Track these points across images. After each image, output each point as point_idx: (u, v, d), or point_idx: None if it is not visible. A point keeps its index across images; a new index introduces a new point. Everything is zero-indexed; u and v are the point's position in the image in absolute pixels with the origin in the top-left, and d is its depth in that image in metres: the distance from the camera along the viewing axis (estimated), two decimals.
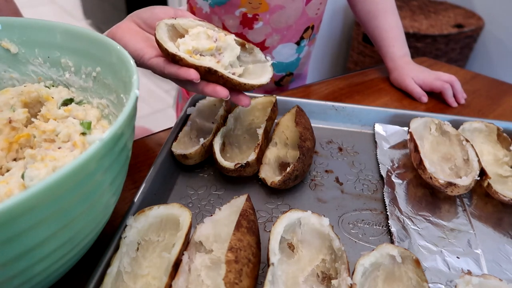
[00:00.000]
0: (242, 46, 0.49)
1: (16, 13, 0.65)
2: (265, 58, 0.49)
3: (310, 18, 0.74)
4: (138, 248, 0.38)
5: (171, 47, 0.44)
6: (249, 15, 0.69)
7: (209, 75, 0.44)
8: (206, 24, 0.48)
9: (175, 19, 0.47)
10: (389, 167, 0.54)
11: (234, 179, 0.51)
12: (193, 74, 0.43)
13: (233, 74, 0.46)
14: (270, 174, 0.50)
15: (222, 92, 0.44)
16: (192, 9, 0.74)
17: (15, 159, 0.39)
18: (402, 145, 0.59)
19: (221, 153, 0.50)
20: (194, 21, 0.48)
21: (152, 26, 0.51)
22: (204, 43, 0.45)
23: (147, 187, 0.45)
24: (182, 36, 0.47)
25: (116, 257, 0.36)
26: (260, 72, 0.48)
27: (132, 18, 0.52)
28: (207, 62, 0.44)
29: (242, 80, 0.45)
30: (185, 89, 0.79)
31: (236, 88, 0.46)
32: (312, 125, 0.56)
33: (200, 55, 0.46)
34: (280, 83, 0.82)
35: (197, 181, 0.51)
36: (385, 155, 0.57)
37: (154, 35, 0.44)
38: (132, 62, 0.36)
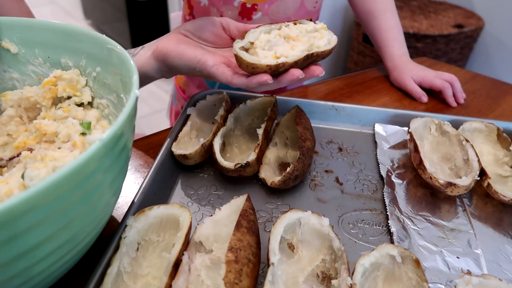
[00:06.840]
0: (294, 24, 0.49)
1: (29, 13, 0.65)
2: (315, 22, 0.49)
3: (309, 11, 0.75)
4: (138, 248, 0.38)
5: (268, 62, 0.43)
6: (248, 5, 0.69)
7: (305, 61, 0.45)
8: (265, 27, 0.48)
9: (243, 39, 0.45)
10: (389, 167, 0.54)
11: (234, 179, 0.51)
12: (265, 77, 0.43)
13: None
14: (270, 174, 0.50)
15: (299, 73, 0.44)
16: (190, 3, 0.74)
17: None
18: (402, 145, 0.59)
19: (221, 153, 0.50)
20: (255, 30, 0.47)
21: (201, 38, 0.51)
22: (282, 49, 0.45)
23: (147, 187, 0.45)
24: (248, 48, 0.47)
25: (116, 257, 0.36)
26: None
27: (178, 30, 0.52)
28: (301, 52, 0.44)
29: (321, 48, 0.45)
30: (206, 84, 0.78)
31: (314, 60, 0.46)
32: (312, 125, 0.56)
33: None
34: None
35: (197, 181, 0.51)
36: (385, 155, 0.57)
37: (237, 58, 0.43)
38: (132, 62, 0.35)
